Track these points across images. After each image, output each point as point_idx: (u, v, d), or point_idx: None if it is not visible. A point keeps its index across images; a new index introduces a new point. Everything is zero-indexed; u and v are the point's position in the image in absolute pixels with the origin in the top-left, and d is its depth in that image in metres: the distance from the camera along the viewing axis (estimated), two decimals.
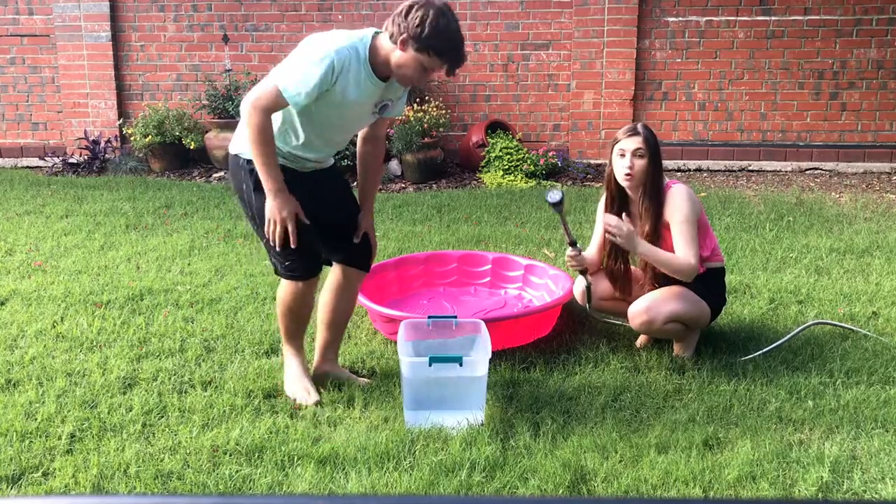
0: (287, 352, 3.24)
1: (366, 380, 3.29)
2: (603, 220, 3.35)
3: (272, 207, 2.84)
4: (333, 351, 3.33)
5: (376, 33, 2.91)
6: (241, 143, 2.98)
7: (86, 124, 8.00)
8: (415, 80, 2.94)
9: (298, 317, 3.18)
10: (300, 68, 2.78)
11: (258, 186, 2.91)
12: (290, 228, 2.86)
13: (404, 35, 2.78)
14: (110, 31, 7.88)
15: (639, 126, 3.36)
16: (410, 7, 2.78)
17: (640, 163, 3.31)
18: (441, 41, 2.78)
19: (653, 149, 3.32)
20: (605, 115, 7.88)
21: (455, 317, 3.32)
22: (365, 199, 3.28)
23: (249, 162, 2.92)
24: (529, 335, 3.59)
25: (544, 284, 4.08)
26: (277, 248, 2.94)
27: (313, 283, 3.12)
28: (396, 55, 2.83)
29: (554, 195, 3.28)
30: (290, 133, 2.97)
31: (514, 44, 7.88)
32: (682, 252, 3.27)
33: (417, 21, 2.75)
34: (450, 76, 2.91)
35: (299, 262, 3.03)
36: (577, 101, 7.89)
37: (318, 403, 3.08)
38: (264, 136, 2.79)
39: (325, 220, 3.09)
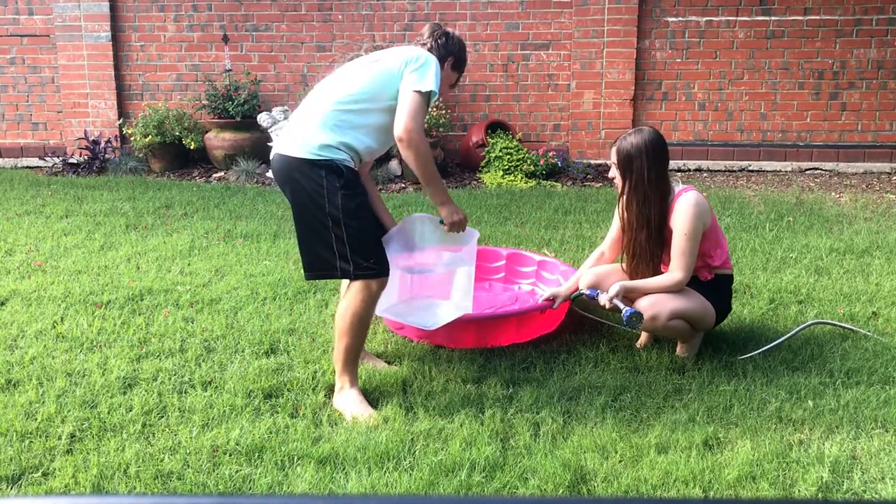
0: (345, 382, 3.11)
1: (394, 367, 3.39)
2: (609, 298, 3.35)
3: (454, 211, 3.22)
4: None
5: None
6: (299, 146, 3.02)
7: (86, 124, 8.00)
8: (443, 94, 3.37)
9: (363, 330, 3.09)
10: (428, 71, 3.03)
11: (347, 186, 2.98)
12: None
13: (450, 57, 3.26)
14: (110, 31, 7.89)
15: (619, 139, 3.41)
16: (444, 34, 3.28)
17: (617, 174, 3.41)
18: (464, 60, 3.36)
19: (624, 162, 3.35)
20: (605, 115, 7.88)
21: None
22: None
23: (328, 162, 2.97)
24: (538, 330, 3.66)
25: (556, 280, 4.11)
26: (364, 247, 3.01)
27: (384, 283, 3.09)
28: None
29: (627, 312, 3.28)
30: (367, 136, 3.09)
31: (514, 44, 7.89)
32: (673, 264, 3.34)
33: (457, 46, 3.29)
34: (450, 90, 3.43)
35: (381, 257, 3.07)
36: (577, 101, 7.89)
37: (385, 419, 3.03)
38: (432, 159, 3.08)
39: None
